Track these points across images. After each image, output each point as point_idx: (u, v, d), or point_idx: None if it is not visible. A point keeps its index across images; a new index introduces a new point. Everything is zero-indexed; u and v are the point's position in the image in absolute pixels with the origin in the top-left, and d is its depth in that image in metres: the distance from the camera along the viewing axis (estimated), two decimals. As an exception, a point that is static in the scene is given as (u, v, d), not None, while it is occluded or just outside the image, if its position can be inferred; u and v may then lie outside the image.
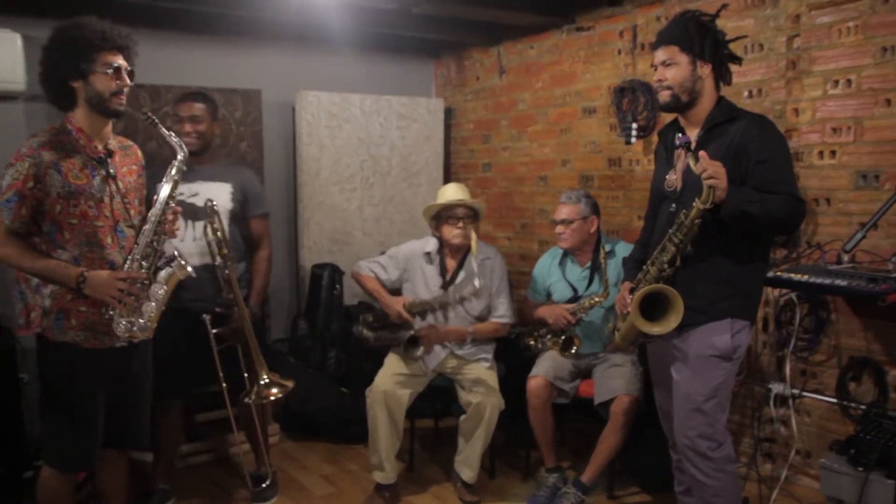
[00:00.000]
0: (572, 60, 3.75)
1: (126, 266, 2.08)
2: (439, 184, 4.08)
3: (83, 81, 2.04)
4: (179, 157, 2.19)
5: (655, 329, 2.16)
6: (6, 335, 3.01)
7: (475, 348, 3.07)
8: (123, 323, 2.07)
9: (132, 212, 2.18)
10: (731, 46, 2.20)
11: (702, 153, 2.01)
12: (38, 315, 2.08)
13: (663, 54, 2.16)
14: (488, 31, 4.06)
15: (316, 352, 3.68)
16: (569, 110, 3.80)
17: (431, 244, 3.15)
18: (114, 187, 2.12)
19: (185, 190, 2.69)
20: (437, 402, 3.20)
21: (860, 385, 2.71)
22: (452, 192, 3.08)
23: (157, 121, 2.18)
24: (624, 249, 2.99)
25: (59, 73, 2.04)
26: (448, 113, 4.56)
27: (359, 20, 3.59)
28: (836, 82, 2.70)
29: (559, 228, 3.01)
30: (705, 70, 2.14)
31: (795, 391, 2.86)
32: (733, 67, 2.22)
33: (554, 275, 3.14)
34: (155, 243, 2.12)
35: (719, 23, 2.19)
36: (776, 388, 2.88)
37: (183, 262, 2.18)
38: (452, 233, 3.02)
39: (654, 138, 3.37)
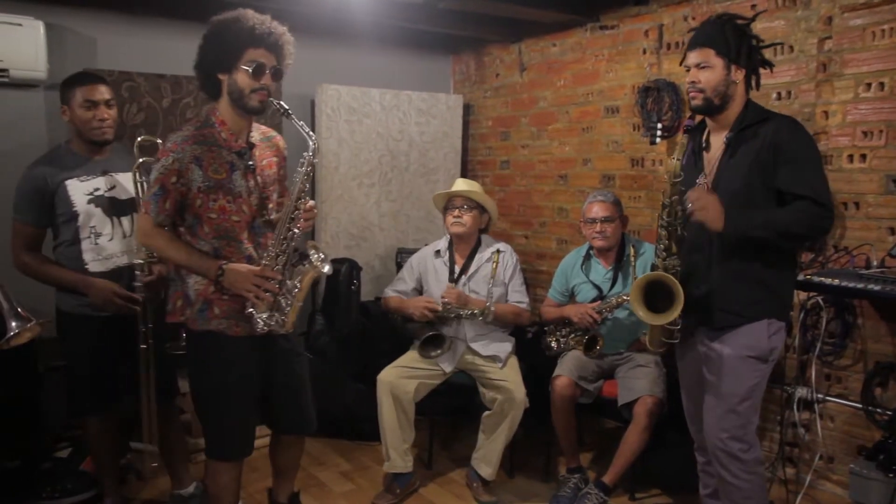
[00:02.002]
0: (595, 59, 3.73)
1: (263, 262, 2.07)
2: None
3: (228, 75, 2.03)
4: (311, 148, 2.08)
5: (657, 320, 2.15)
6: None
7: (491, 343, 3.07)
8: (261, 319, 2.06)
9: (270, 206, 2.16)
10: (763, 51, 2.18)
11: (694, 190, 2.11)
12: (183, 304, 2.08)
13: (698, 56, 2.13)
14: (510, 28, 4.03)
15: (332, 348, 3.66)
16: (591, 109, 3.78)
17: (442, 243, 3.28)
18: (252, 182, 2.10)
19: (101, 184, 2.51)
20: (457, 400, 3.18)
21: (886, 391, 2.70)
22: (458, 185, 3.24)
23: (289, 110, 2.07)
24: (652, 251, 2.97)
25: (208, 64, 2.04)
26: (466, 109, 4.53)
27: (383, 14, 3.57)
28: (869, 85, 2.68)
29: (599, 226, 2.97)
30: (739, 75, 2.12)
31: (820, 395, 2.85)
32: (762, 70, 2.20)
33: (578, 276, 3.11)
34: (288, 239, 2.07)
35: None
36: (800, 391, 2.87)
37: (318, 258, 2.09)
38: (450, 221, 3.15)
39: (678, 138, 3.37)
